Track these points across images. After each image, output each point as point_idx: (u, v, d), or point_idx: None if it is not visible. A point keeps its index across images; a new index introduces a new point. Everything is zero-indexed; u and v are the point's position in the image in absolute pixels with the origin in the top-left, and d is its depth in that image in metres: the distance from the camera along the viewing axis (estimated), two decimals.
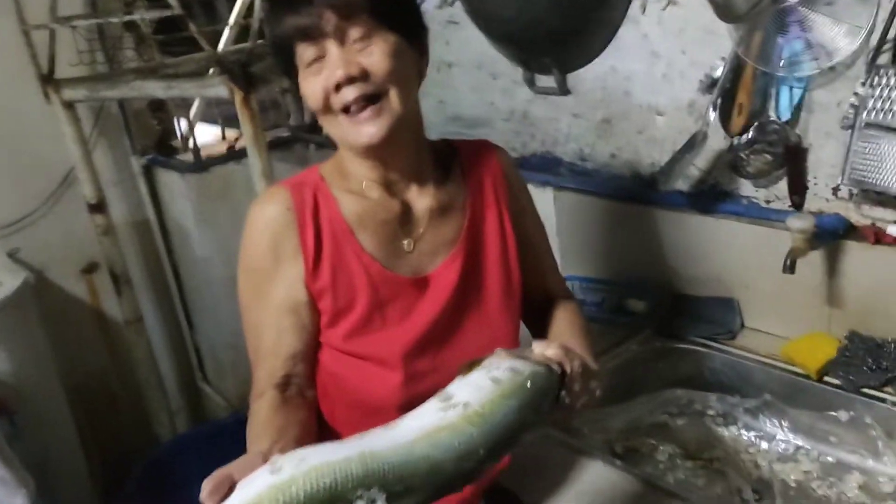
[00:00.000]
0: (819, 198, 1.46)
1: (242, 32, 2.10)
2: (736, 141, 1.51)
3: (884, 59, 1.30)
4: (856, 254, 1.42)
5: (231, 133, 2.51)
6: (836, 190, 1.43)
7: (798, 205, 1.48)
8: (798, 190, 1.47)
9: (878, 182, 1.31)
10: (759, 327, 1.63)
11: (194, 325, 2.64)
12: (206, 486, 0.67)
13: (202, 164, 2.36)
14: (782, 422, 1.47)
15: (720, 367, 1.60)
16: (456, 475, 0.72)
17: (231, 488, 0.67)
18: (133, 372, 2.51)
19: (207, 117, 2.59)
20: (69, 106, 2.12)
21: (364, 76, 0.94)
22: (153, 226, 2.54)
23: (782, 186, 1.50)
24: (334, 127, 0.98)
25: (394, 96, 0.95)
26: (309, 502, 0.63)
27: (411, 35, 1.00)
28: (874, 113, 1.31)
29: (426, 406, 0.76)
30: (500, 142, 1.97)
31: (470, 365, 0.81)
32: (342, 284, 1.02)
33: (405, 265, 1.06)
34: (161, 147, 2.46)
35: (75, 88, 2.08)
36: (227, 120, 2.48)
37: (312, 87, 0.97)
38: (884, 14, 1.28)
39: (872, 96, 1.31)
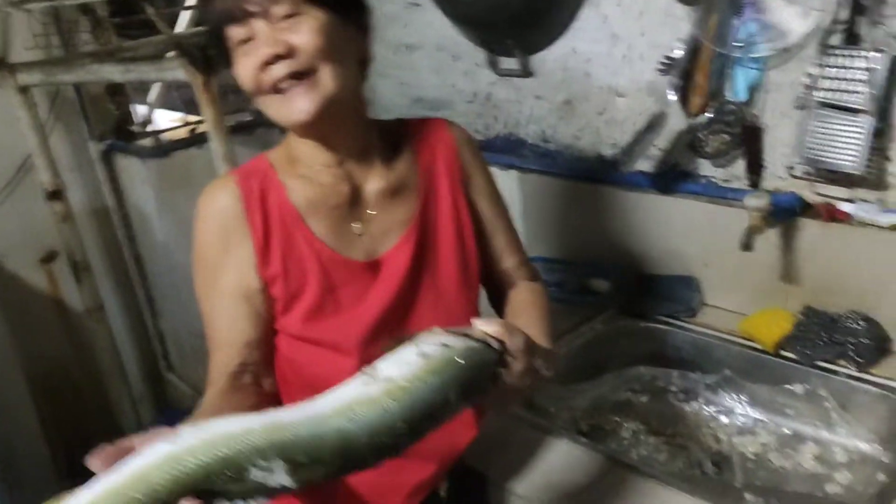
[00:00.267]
0: (775, 177, 1.49)
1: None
2: (695, 122, 1.54)
3: (835, 39, 1.33)
4: (810, 231, 1.46)
5: (192, 118, 2.48)
6: (791, 169, 1.46)
7: (755, 184, 1.51)
8: (755, 169, 1.50)
9: (831, 160, 1.35)
10: (719, 304, 1.66)
11: (157, 313, 2.61)
12: (99, 452, 0.65)
13: (162, 149, 2.33)
14: (741, 396, 1.51)
15: (682, 344, 1.63)
16: (371, 449, 0.71)
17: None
18: (95, 360, 2.49)
19: (168, 102, 2.56)
20: (24, 91, 2.08)
21: (291, 53, 0.93)
22: (113, 212, 2.50)
23: (740, 166, 1.53)
24: (268, 108, 0.97)
25: (325, 74, 0.94)
26: (201, 472, 0.63)
27: (345, 12, 0.98)
28: (827, 93, 1.34)
29: (350, 381, 0.75)
30: (464, 124, 1.97)
31: (400, 340, 0.79)
32: (293, 270, 1.02)
33: (357, 249, 1.05)
34: (120, 132, 2.42)
35: (30, 73, 2.04)
36: (188, 105, 2.45)
37: (243, 68, 0.96)
38: None
39: (825, 76, 1.34)
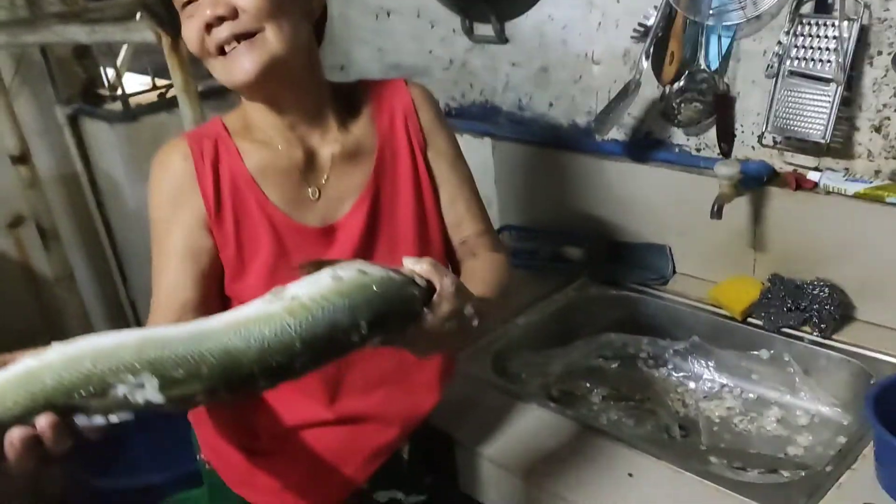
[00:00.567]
0: (746, 145, 1.51)
1: None
2: (668, 90, 1.54)
3: (807, 8, 1.33)
4: (778, 199, 1.47)
5: (162, 82, 2.43)
6: (760, 137, 1.48)
7: (726, 152, 1.53)
8: (726, 138, 1.51)
9: (800, 129, 1.36)
10: (690, 272, 1.68)
11: (128, 281, 2.58)
12: None
13: (131, 113, 2.28)
14: (709, 362, 1.53)
15: (653, 311, 1.65)
16: (261, 368, 0.68)
17: None
18: (65, 330, 2.45)
19: (137, 66, 2.51)
20: None
21: (234, 14, 0.92)
22: (81, 178, 2.46)
23: (712, 134, 1.54)
24: (214, 70, 0.97)
25: (270, 33, 0.93)
26: (59, 388, 0.62)
27: None
28: (796, 62, 1.35)
29: (255, 300, 0.73)
30: (439, 91, 1.99)
31: (318, 264, 0.77)
32: (245, 235, 1.02)
33: (312, 214, 1.05)
34: (87, 96, 2.37)
35: None
36: (158, 69, 2.40)
37: (188, 30, 0.95)
38: None
39: (795, 45, 1.34)
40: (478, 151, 1.93)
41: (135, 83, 2.50)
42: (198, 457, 1.20)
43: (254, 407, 1.09)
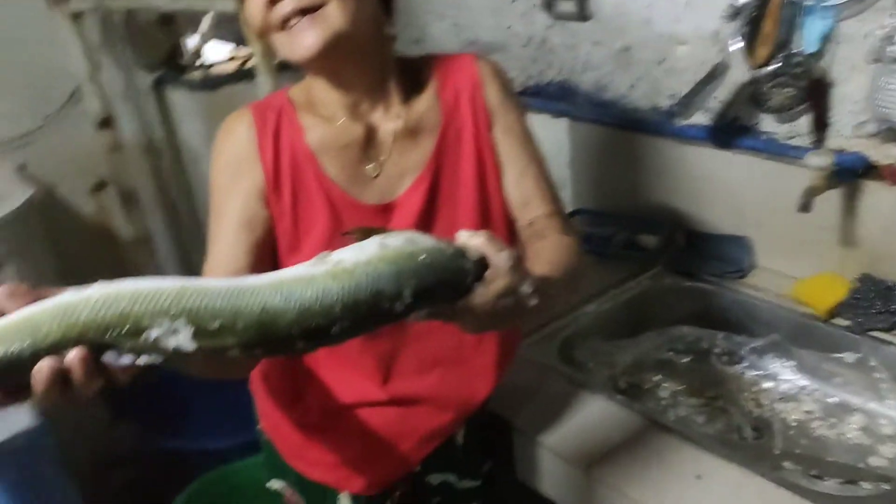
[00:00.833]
0: (840, 135, 1.41)
1: None
2: (759, 73, 1.46)
3: None
4: (873, 194, 1.38)
5: (243, 52, 2.46)
6: (858, 127, 1.38)
7: (819, 141, 1.44)
8: (819, 126, 1.42)
9: None
10: (771, 266, 1.60)
11: (203, 246, 2.63)
12: (6, 287, 0.64)
13: (211, 82, 2.31)
14: (788, 362, 1.46)
15: (729, 305, 1.58)
16: (299, 328, 0.66)
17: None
18: None
19: (221, 35, 2.54)
20: (76, 17, 2.07)
21: None
22: (162, 144, 2.51)
23: (804, 122, 1.45)
24: (278, 45, 0.95)
25: (333, 8, 0.90)
26: (93, 324, 0.61)
27: None
28: None
29: (299, 264, 0.72)
30: (516, 69, 1.95)
31: (367, 232, 0.75)
32: (302, 209, 1.00)
33: (370, 191, 1.03)
34: (170, 64, 2.41)
35: None
36: (241, 38, 2.43)
37: (252, 5, 0.93)
38: None
39: None
40: (553, 132, 1.88)
41: (217, 52, 2.53)
42: (257, 427, 1.21)
43: (308, 382, 1.09)
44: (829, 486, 1.20)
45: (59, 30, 2.07)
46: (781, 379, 1.46)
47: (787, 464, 1.26)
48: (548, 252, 1.04)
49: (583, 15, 1.76)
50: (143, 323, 0.62)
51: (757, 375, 1.49)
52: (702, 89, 1.52)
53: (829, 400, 1.40)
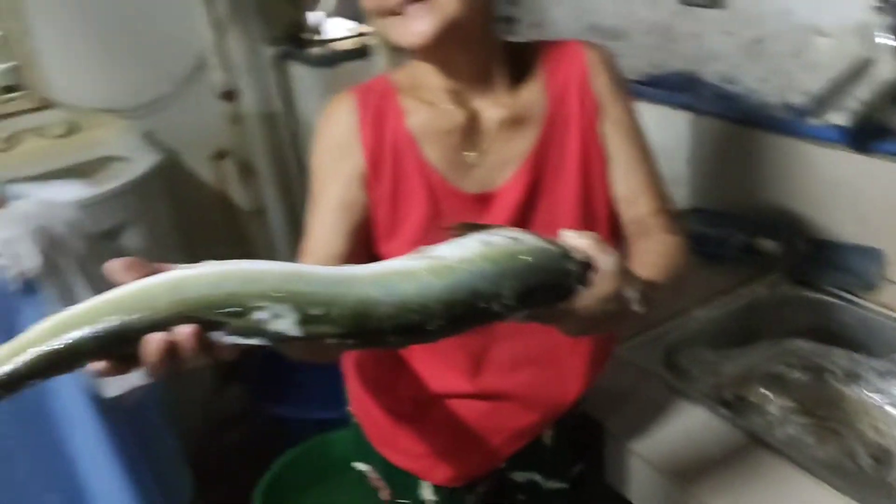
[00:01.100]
0: None
1: None
2: None
3: None
4: None
5: (365, 29, 2.48)
6: None
7: None
8: None
9: None
10: None
11: None
12: (123, 261, 0.65)
13: (331, 58, 2.34)
14: None
15: (851, 321, 1.47)
16: (394, 323, 0.66)
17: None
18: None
19: (343, 11, 2.56)
20: None
21: None
22: (281, 118, 2.57)
23: None
24: (388, 29, 0.92)
25: None
26: (203, 301, 0.62)
27: None
28: None
29: (400, 256, 0.71)
30: (637, 57, 1.87)
31: (469, 227, 0.73)
32: (401, 194, 0.99)
33: (470, 180, 1.00)
34: (293, 38, 2.46)
35: None
36: (362, 15, 2.44)
37: None
38: None
39: None
40: (672, 125, 1.79)
41: (340, 28, 2.56)
42: (347, 408, 1.22)
43: (398, 371, 1.08)
44: None
45: (188, 2, 2.15)
46: None
47: None
48: (653, 254, 1.00)
49: (715, 2, 1.66)
50: (250, 305, 0.63)
51: (879, 399, 1.38)
52: (841, 87, 1.40)
53: None
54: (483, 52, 0.98)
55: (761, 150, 1.65)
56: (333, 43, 2.39)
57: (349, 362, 1.16)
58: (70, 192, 1.87)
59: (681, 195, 1.78)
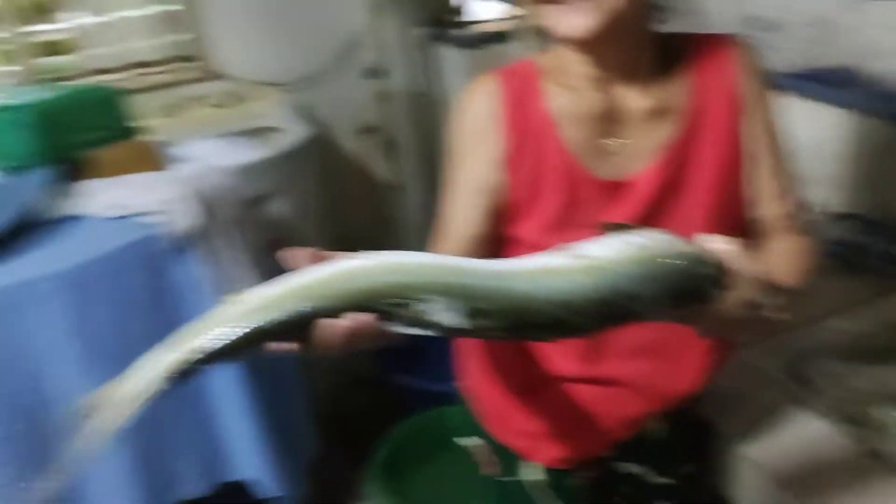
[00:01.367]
0: None
1: None
2: None
3: None
4: None
5: (515, 12, 2.49)
6: None
7: None
8: None
9: None
10: None
11: None
12: (296, 251, 0.69)
13: (477, 40, 2.38)
14: None
15: None
16: (549, 319, 0.69)
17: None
18: (389, 235, 2.70)
19: None
20: None
21: None
22: (426, 97, 2.64)
23: None
24: (545, 17, 0.92)
25: None
26: (372, 292, 0.66)
27: None
28: None
29: (547, 253, 0.73)
30: (792, 50, 1.78)
31: (614, 227, 0.75)
32: (539, 177, 1.00)
33: (606, 167, 0.99)
34: (442, 19, 2.51)
35: None
36: None
37: None
38: None
39: None
40: (825, 123, 1.70)
41: (489, 10, 2.59)
42: (458, 383, 1.25)
43: (514, 351, 1.10)
44: None
45: None
46: None
47: None
48: (784, 254, 1.00)
49: None
50: (418, 296, 0.67)
51: None
52: None
53: None
54: (635, 42, 0.97)
55: None
56: (480, 25, 2.42)
57: (462, 339, 1.19)
58: (228, 152, 2.01)
59: (824, 196, 1.69)
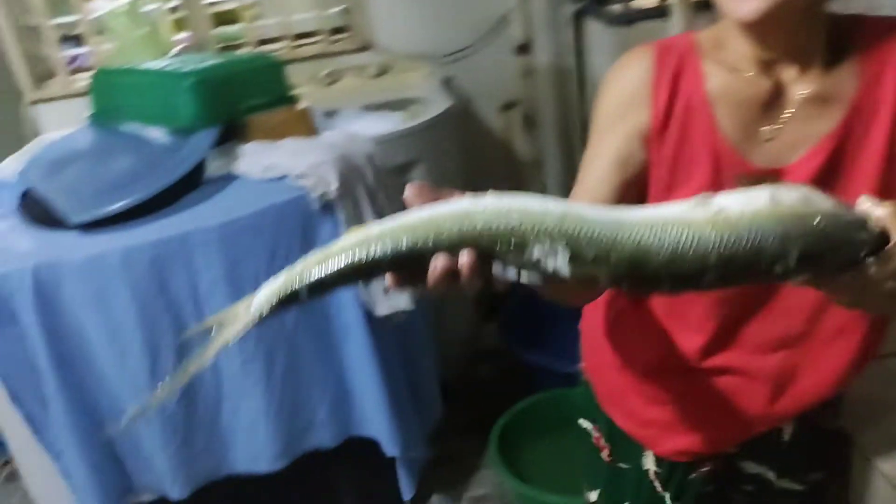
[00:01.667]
0: None
1: None
2: None
3: None
4: None
5: None
6: None
7: None
8: None
9: None
10: None
11: None
12: (416, 187, 0.70)
13: (628, 17, 2.32)
14: None
15: None
16: (667, 271, 0.66)
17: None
18: None
19: None
20: None
21: None
22: (571, 73, 2.61)
23: None
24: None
25: None
26: (486, 233, 0.65)
27: None
28: None
29: (679, 202, 0.69)
30: None
31: (758, 179, 0.70)
32: (684, 158, 0.96)
33: (760, 153, 0.95)
34: None
35: None
36: None
37: None
38: None
39: None
40: None
41: None
42: (579, 365, 1.25)
43: (640, 334, 1.09)
44: None
45: None
46: None
47: None
48: None
49: None
50: (528, 239, 0.66)
51: None
52: None
53: None
54: (806, 25, 0.92)
55: None
56: (633, 2, 2.36)
57: (589, 318, 1.19)
58: (376, 121, 2.08)
59: None
